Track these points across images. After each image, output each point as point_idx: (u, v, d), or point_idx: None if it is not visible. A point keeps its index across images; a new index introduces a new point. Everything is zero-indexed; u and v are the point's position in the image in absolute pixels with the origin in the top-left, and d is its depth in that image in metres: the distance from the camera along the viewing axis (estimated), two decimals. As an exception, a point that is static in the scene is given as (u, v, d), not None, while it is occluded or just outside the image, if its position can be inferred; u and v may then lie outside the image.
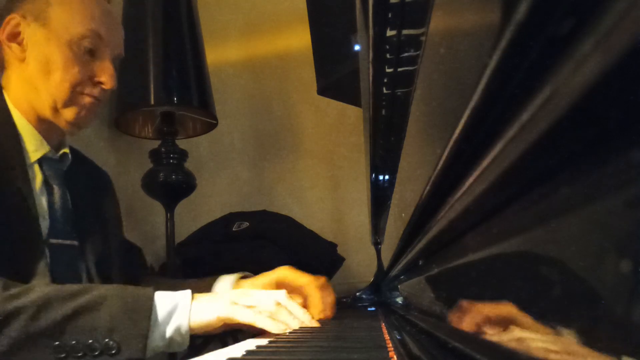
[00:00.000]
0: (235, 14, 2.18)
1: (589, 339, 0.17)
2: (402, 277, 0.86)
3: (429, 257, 0.52)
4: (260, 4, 2.16)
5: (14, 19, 0.89)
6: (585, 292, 0.17)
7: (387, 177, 0.88)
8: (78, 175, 0.98)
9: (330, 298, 0.90)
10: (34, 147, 0.88)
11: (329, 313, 0.89)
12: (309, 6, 1.49)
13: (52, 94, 0.88)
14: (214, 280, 0.95)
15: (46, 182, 0.89)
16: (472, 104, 0.23)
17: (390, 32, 0.47)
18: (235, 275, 0.95)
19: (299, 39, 1.95)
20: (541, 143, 0.19)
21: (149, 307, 0.69)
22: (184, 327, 0.71)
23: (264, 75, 2.19)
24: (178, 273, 1.64)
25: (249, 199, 2.09)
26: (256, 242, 1.69)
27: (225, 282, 0.94)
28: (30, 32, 0.88)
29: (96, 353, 0.65)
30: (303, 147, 2.16)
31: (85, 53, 0.90)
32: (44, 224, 0.86)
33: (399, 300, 0.92)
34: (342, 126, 2.03)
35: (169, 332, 0.70)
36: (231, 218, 1.79)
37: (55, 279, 0.82)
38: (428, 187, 0.37)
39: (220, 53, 2.09)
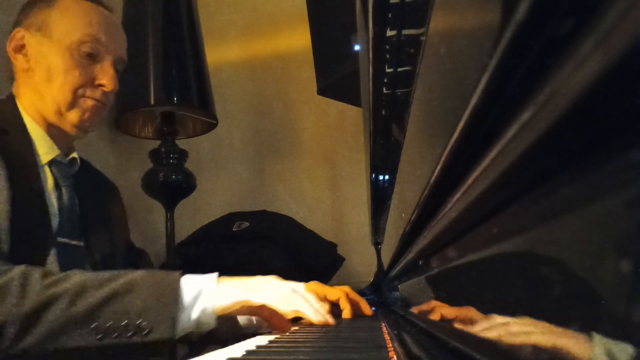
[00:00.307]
0: (235, 14, 2.18)
1: (586, 338, 0.17)
2: (402, 277, 0.86)
3: (429, 257, 0.52)
4: (260, 4, 2.16)
5: (19, 32, 0.95)
6: (585, 292, 0.17)
7: (387, 177, 0.88)
8: (86, 181, 1.03)
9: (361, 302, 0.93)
10: (45, 150, 0.93)
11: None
12: (309, 6, 1.49)
13: (55, 98, 0.92)
14: None
15: (56, 184, 0.93)
16: (472, 104, 0.23)
17: (390, 32, 0.47)
18: None
19: (299, 39, 1.95)
20: (541, 143, 0.19)
21: (176, 290, 0.73)
22: (209, 309, 0.75)
23: (264, 75, 2.19)
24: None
25: (249, 199, 2.09)
26: (256, 242, 1.69)
27: None
28: (34, 43, 0.94)
29: (130, 334, 0.69)
30: (303, 147, 2.16)
31: (86, 57, 0.94)
32: (54, 223, 0.90)
33: (398, 294, 0.92)
34: (342, 126, 2.03)
35: (196, 314, 0.74)
36: (231, 218, 1.79)
37: None
38: (428, 187, 0.37)
39: (220, 53, 2.09)
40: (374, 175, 0.86)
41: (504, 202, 0.26)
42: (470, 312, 0.32)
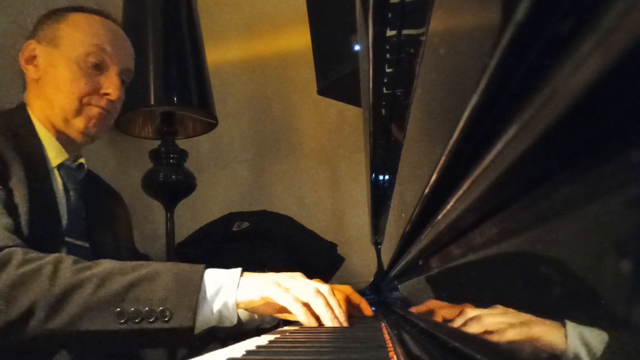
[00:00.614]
0: (235, 14, 2.18)
1: (587, 338, 0.17)
2: (402, 277, 0.86)
3: (429, 257, 0.52)
4: (260, 4, 2.16)
5: (31, 44, 1.02)
6: (585, 292, 0.17)
7: (387, 177, 0.88)
8: (92, 188, 1.08)
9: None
10: (54, 154, 0.98)
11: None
12: (309, 6, 1.49)
13: (63, 106, 0.98)
14: None
15: (64, 187, 0.99)
16: (472, 104, 0.23)
17: (390, 32, 0.47)
18: None
19: (299, 39, 1.95)
20: (541, 143, 0.19)
21: (198, 281, 0.75)
22: (231, 303, 0.77)
23: (264, 75, 2.19)
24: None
25: (249, 199, 2.09)
26: (256, 242, 1.69)
27: None
28: (44, 55, 1.00)
29: (151, 320, 0.72)
30: (303, 147, 2.16)
31: (92, 68, 1.00)
32: (63, 223, 0.95)
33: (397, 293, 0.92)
34: (342, 126, 2.03)
35: (217, 306, 0.76)
36: (231, 218, 1.79)
37: None
38: (428, 187, 0.37)
39: (220, 53, 2.09)
40: (374, 175, 0.86)
41: (504, 202, 0.26)
42: (466, 309, 0.32)
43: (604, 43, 0.14)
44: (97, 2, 1.93)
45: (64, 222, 0.95)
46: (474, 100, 0.22)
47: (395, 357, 0.43)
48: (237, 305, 0.77)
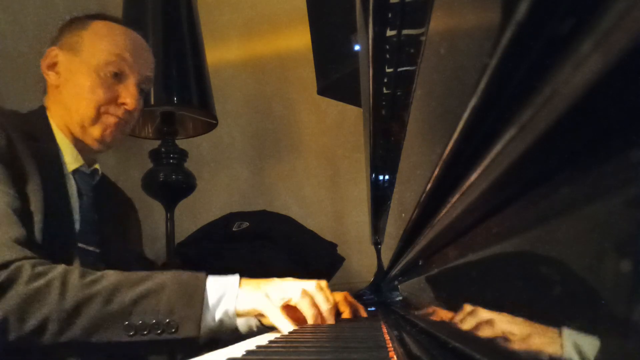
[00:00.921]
0: (235, 14, 2.18)
1: (587, 338, 0.17)
2: (402, 277, 0.86)
3: (429, 257, 0.52)
4: (260, 4, 2.16)
5: (53, 50, 1.03)
6: (585, 293, 0.17)
7: (387, 177, 0.88)
8: (105, 193, 1.10)
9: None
10: (70, 159, 1.00)
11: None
12: (309, 6, 1.49)
13: (80, 114, 0.99)
14: None
15: (78, 192, 1.00)
16: (472, 104, 0.23)
17: (390, 32, 0.47)
18: None
19: (299, 39, 1.95)
20: (541, 143, 0.19)
21: (202, 292, 0.78)
22: (231, 311, 0.80)
23: (264, 75, 2.19)
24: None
25: (249, 199, 2.09)
26: (256, 242, 1.69)
27: None
28: (65, 61, 1.02)
29: (159, 331, 0.75)
30: (303, 147, 2.16)
31: (111, 77, 1.00)
32: (76, 227, 0.97)
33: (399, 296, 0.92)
34: (342, 126, 2.03)
35: (219, 315, 0.79)
36: (231, 218, 1.79)
37: None
38: (428, 187, 0.37)
39: (220, 53, 2.09)
40: (374, 175, 0.86)
41: (504, 202, 0.26)
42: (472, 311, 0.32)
43: (604, 43, 0.14)
44: (98, 2, 1.93)
45: (77, 227, 0.97)
46: (474, 100, 0.22)
47: (395, 357, 0.43)
48: (237, 314, 0.80)
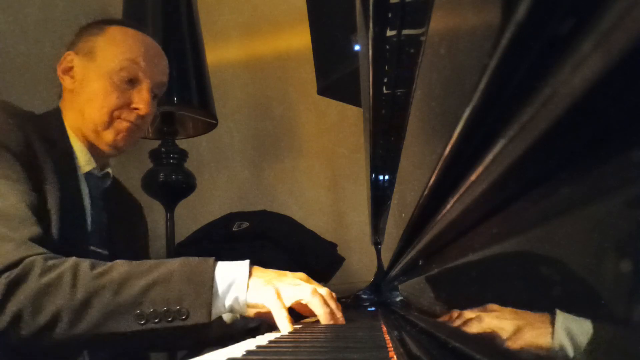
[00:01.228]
0: (235, 14, 2.18)
1: (587, 338, 0.17)
2: (402, 277, 0.86)
3: (429, 257, 0.52)
4: (260, 4, 2.16)
5: (69, 55, 1.04)
6: (585, 292, 0.17)
7: (387, 177, 0.88)
8: (116, 197, 1.12)
9: None
10: (84, 162, 1.01)
11: None
12: (309, 6, 1.49)
13: (93, 118, 1.01)
14: None
15: (90, 195, 1.01)
16: (472, 104, 0.23)
17: (390, 32, 0.47)
18: None
19: (299, 39, 1.95)
20: (541, 143, 0.19)
21: (210, 279, 0.79)
22: (242, 298, 0.80)
23: (264, 75, 2.19)
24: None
25: (249, 199, 2.09)
26: (256, 242, 1.69)
27: None
28: (80, 66, 1.03)
29: (170, 319, 0.76)
30: (303, 147, 2.16)
31: (125, 82, 1.02)
32: (88, 230, 0.98)
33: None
34: (342, 126, 2.03)
35: (229, 301, 0.80)
36: (231, 218, 1.79)
37: None
38: (428, 187, 0.37)
39: (220, 53, 2.09)
40: (374, 175, 0.86)
41: (504, 202, 0.26)
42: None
43: (604, 43, 0.14)
44: (98, 2, 1.93)
45: (88, 229, 0.98)
46: (473, 100, 0.22)
47: (395, 357, 0.43)
48: (247, 305, 0.81)
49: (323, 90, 1.49)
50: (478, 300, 0.30)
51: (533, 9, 0.16)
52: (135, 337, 0.76)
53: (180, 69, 1.66)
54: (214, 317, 0.78)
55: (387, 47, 0.49)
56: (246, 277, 0.81)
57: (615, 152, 0.16)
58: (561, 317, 0.19)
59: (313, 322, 0.89)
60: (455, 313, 0.36)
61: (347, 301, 1.39)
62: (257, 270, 0.84)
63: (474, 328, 0.31)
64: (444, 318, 0.41)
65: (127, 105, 1.02)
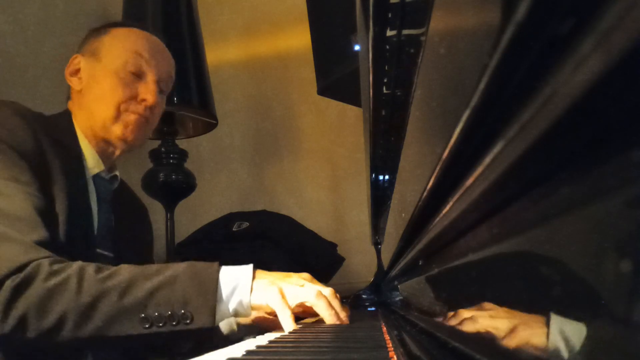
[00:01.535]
0: (235, 14, 2.18)
1: (587, 338, 0.17)
2: (402, 277, 0.86)
3: (429, 257, 0.52)
4: (260, 4, 2.16)
5: (76, 58, 1.06)
6: (585, 292, 0.17)
7: (387, 177, 0.88)
8: (122, 200, 1.12)
9: None
10: (92, 164, 1.02)
11: None
12: (309, 6, 1.49)
13: (102, 114, 1.01)
14: None
15: (97, 197, 1.02)
16: (472, 104, 0.23)
17: (390, 32, 0.47)
18: None
19: (299, 39, 1.95)
20: (541, 143, 0.19)
21: (215, 282, 0.79)
22: (246, 302, 0.80)
23: (264, 75, 2.19)
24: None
25: (249, 199, 2.09)
26: (256, 242, 1.69)
27: None
28: (87, 67, 1.05)
29: (174, 322, 0.76)
30: (303, 147, 2.16)
31: (131, 76, 1.03)
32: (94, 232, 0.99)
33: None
34: (342, 126, 2.03)
35: (233, 305, 0.80)
36: (231, 218, 1.79)
37: None
38: (428, 187, 0.37)
39: (220, 53, 2.09)
40: (374, 175, 0.86)
41: (504, 202, 0.26)
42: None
43: (604, 43, 0.14)
44: (98, 2, 1.93)
45: (95, 231, 0.99)
46: (474, 100, 0.22)
47: (395, 357, 0.43)
48: (251, 307, 0.81)
49: (323, 90, 1.49)
50: (478, 300, 0.30)
51: (533, 9, 0.16)
52: (136, 341, 0.76)
53: (180, 69, 1.65)
54: (218, 321, 0.79)
55: (387, 47, 0.49)
56: (250, 280, 0.82)
57: (615, 152, 0.16)
58: (561, 318, 0.19)
59: (313, 322, 0.89)
60: (453, 314, 0.36)
61: (347, 301, 1.39)
62: (261, 272, 0.84)
63: (471, 327, 0.31)
64: (444, 318, 0.41)
65: (134, 97, 1.03)
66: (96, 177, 1.02)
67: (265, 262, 1.65)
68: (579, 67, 0.15)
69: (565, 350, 0.18)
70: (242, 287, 0.81)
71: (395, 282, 0.98)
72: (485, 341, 0.28)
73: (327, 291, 0.83)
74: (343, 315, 0.82)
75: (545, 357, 0.20)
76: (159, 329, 0.75)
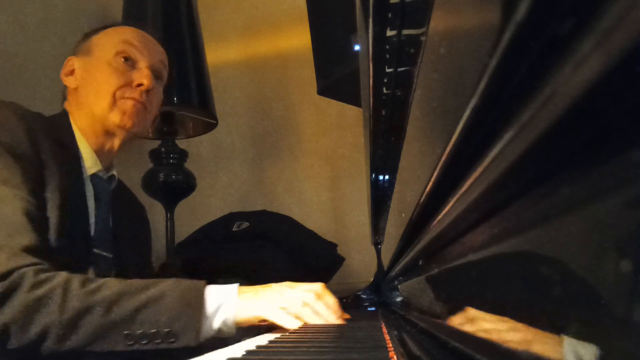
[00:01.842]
0: (235, 14, 2.18)
1: (587, 338, 0.17)
2: (402, 277, 0.86)
3: (429, 257, 0.52)
4: (260, 4, 2.16)
5: (70, 60, 1.08)
6: (585, 293, 0.17)
7: (387, 177, 0.88)
8: (121, 200, 1.12)
9: None
10: (90, 163, 1.02)
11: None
12: (309, 6, 1.49)
13: (99, 103, 1.02)
14: None
15: (95, 196, 1.01)
16: (472, 104, 0.23)
17: (390, 32, 0.47)
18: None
19: (299, 39, 1.95)
20: (541, 143, 0.19)
21: (201, 302, 0.79)
22: (230, 320, 0.80)
23: (264, 75, 2.19)
24: (178, 273, 1.64)
25: (249, 199, 2.09)
26: (256, 242, 1.69)
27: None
28: (80, 65, 1.06)
29: (158, 341, 0.75)
30: (303, 147, 2.16)
31: (123, 63, 1.04)
32: (92, 232, 0.98)
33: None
34: (342, 126, 2.03)
35: (217, 324, 0.80)
36: (231, 218, 1.79)
37: None
38: (428, 187, 0.37)
39: (220, 53, 2.09)
40: (374, 175, 0.86)
41: (504, 202, 0.26)
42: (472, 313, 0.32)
43: (604, 43, 0.14)
44: (98, 2, 1.93)
45: (92, 232, 0.98)
46: (473, 100, 0.22)
47: (395, 357, 0.43)
48: (236, 323, 0.81)
49: (323, 90, 1.49)
50: (478, 300, 0.30)
51: (533, 9, 0.16)
52: (123, 353, 0.76)
53: (180, 69, 1.66)
54: (201, 340, 0.78)
55: (387, 47, 0.49)
56: (234, 298, 0.82)
57: (615, 152, 0.16)
58: (560, 318, 0.19)
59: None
60: (453, 314, 0.36)
61: (347, 301, 1.39)
62: (244, 288, 0.84)
63: (471, 327, 0.31)
64: (443, 318, 0.41)
65: (128, 84, 1.03)
66: (94, 176, 1.02)
67: (265, 262, 1.65)
68: (579, 67, 0.15)
69: (565, 350, 0.18)
70: (227, 306, 0.81)
71: (395, 282, 0.98)
72: (485, 341, 0.28)
73: (310, 296, 0.83)
74: (332, 318, 0.82)
75: (545, 357, 0.20)
76: (143, 346, 0.75)
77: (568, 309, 0.19)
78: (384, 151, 0.75)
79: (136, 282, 0.80)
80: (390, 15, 0.45)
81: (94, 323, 0.74)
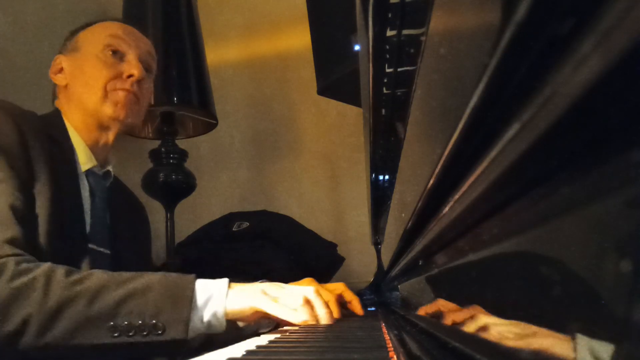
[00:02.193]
0: (235, 14, 2.18)
1: (587, 338, 0.17)
2: (402, 277, 0.86)
3: (429, 257, 0.52)
4: (260, 4, 2.16)
5: (58, 58, 1.08)
6: (585, 293, 0.17)
7: (387, 177, 0.88)
8: (118, 196, 1.11)
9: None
10: (84, 159, 1.01)
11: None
12: (309, 6, 1.49)
13: (90, 97, 1.02)
14: None
15: (90, 192, 1.01)
16: (472, 104, 0.23)
17: (390, 32, 0.47)
18: None
19: (299, 39, 1.95)
20: (541, 143, 0.19)
21: (190, 294, 0.76)
22: (220, 313, 0.78)
23: (264, 75, 2.19)
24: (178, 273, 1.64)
25: (249, 199, 2.09)
26: (256, 242, 1.69)
27: None
28: (69, 62, 1.07)
29: (144, 333, 0.73)
30: (303, 147, 2.16)
31: (112, 56, 1.04)
32: (87, 228, 0.98)
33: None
34: (342, 126, 2.03)
35: (207, 316, 0.78)
36: (231, 218, 1.79)
37: None
38: (428, 187, 0.37)
39: (220, 53, 2.09)
40: (374, 175, 0.86)
41: (504, 202, 0.26)
42: (473, 312, 0.32)
43: (604, 43, 0.14)
44: (98, 2, 1.93)
45: (88, 227, 0.97)
46: (474, 100, 0.22)
47: (395, 357, 0.43)
48: (227, 315, 0.78)
49: (323, 90, 1.49)
50: (478, 301, 0.30)
51: (533, 9, 0.16)
52: (109, 350, 0.74)
53: (180, 69, 1.66)
54: (190, 334, 0.76)
55: (387, 47, 0.49)
56: (225, 291, 0.79)
57: (615, 152, 0.16)
58: (560, 318, 0.19)
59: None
60: (453, 314, 0.36)
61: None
62: (235, 284, 0.82)
63: (472, 327, 0.31)
64: (444, 318, 0.41)
65: (118, 76, 1.03)
66: (89, 172, 1.01)
67: (265, 262, 1.65)
68: (579, 67, 0.15)
69: (565, 350, 0.18)
70: (217, 298, 0.79)
71: (395, 282, 0.98)
72: (485, 341, 0.28)
73: (311, 292, 0.82)
74: (328, 317, 0.81)
75: (544, 357, 0.20)
76: (128, 338, 0.72)
77: (568, 309, 0.19)
78: (384, 151, 0.75)
79: (123, 274, 0.78)
80: (390, 15, 0.45)
81: (76, 314, 0.71)
